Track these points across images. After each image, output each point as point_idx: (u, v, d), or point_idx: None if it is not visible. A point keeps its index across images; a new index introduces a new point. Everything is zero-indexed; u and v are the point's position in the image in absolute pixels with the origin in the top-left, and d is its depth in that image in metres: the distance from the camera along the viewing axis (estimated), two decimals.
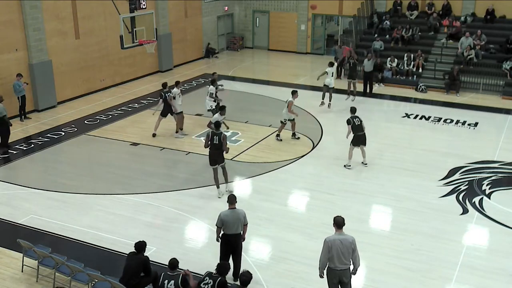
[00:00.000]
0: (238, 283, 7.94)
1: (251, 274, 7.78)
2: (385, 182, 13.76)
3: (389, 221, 12.27)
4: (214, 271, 8.02)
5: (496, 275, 10.11)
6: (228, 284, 8.03)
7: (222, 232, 9.44)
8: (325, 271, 8.59)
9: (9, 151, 15.97)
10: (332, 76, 19.79)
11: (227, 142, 13.21)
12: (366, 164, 14.79)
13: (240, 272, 7.95)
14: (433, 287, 9.73)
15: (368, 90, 22.14)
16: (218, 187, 13.16)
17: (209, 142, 12.77)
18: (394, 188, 13.53)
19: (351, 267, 8.54)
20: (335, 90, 20.00)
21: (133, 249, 8.79)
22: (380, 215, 12.52)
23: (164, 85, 17.06)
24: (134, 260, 8.66)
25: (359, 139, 14.58)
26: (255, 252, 10.92)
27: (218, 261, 8.73)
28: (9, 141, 16.29)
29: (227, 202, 9.54)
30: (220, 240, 9.55)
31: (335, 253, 8.32)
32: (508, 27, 24.45)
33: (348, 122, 14.50)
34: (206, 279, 7.97)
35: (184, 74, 25.31)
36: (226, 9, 30.47)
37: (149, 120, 18.72)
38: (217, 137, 12.67)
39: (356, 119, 14.49)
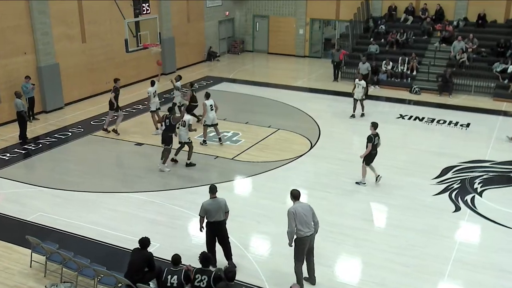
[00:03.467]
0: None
1: (235, 267, 7.80)
2: (381, 181, 13.75)
3: (384, 218, 12.28)
4: (201, 266, 8.02)
5: (487, 269, 10.11)
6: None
7: (206, 220, 9.65)
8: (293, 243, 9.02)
9: (25, 146, 16.23)
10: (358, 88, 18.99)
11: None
12: (379, 179, 13.64)
13: (227, 266, 8.03)
14: (427, 281, 9.74)
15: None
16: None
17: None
18: (389, 186, 13.52)
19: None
20: (332, 92, 19.95)
21: (137, 245, 8.80)
22: (375, 213, 12.51)
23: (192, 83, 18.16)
24: (139, 256, 8.67)
25: (372, 158, 13.43)
26: (255, 248, 10.92)
27: (209, 253, 8.76)
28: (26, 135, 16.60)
29: (209, 192, 9.69)
30: (205, 229, 9.77)
31: (301, 219, 8.85)
32: (498, 31, 24.48)
33: (370, 139, 13.18)
34: (198, 277, 7.96)
35: (186, 77, 25.21)
36: (227, 14, 30.47)
37: (150, 121, 18.71)
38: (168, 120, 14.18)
39: (377, 137, 13.29)
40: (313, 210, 9.07)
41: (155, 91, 17.70)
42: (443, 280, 9.79)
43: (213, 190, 9.74)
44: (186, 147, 14.83)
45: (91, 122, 18.56)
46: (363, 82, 18.79)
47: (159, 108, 17.85)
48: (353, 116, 19.17)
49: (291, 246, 9.06)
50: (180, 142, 14.77)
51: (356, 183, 13.59)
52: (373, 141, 13.16)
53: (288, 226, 8.92)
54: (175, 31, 25.86)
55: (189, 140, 14.76)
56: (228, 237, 9.91)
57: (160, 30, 18.91)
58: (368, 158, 13.39)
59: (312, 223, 9.00)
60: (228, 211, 9.79)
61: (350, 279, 9.79)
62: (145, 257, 8.65)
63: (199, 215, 9.69)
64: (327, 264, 10.14)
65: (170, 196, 13.04)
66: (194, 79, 24.58)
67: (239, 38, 31.67)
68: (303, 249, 9.04)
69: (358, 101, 19.05)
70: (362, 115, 19.21)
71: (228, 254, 9.87)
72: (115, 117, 17.50)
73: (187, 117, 14.80)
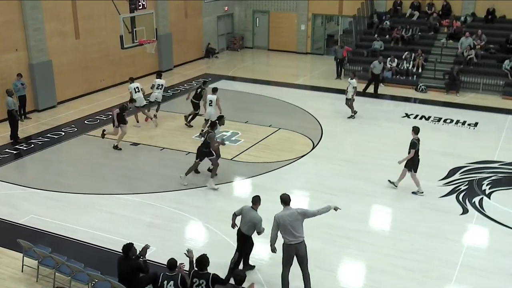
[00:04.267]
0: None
1: (245, 273, 7.80)
2: (385, 182, 13.75)
3: (389, 221, 12.27)
4: (197, 269, 8.01)
5: (496, 274, 10.10)
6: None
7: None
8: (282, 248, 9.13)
9: (17, 146, 16.27)
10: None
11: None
12: (396, 186, 13.59)
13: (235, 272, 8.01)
14: (433, 287, 9.73)
15: (374, 91, 21.82)
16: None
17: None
18: (394, 188, 13.52)
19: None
20: (335, 90, 19.94)
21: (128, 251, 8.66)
22: (380, 215, 12.51)
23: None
24: (126, 266, 8.51)
25: (417, 164, 13.21)
26: (255, 252, 10.90)
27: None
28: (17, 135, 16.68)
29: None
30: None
31: (286, 227, 8.85)
32: (508, 27, 24.44)
33: (414, 145, 13.02)
34: (196, 281, 7.93)
35: (184, 74, 25.32)
36: (226, 9, 30.47)
37: (149, 121, 18.74)
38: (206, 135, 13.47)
39: (419, 141, 13.16)
40: (302, 210, 9.08)
41: (137, 87, 18.09)
42: (450, 285, 9.79)
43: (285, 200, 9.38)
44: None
45: (85, 121, 18.55)
46: (354, 82, 18.73)
47: (146, 105, 18.26)
48: (352, 116, 19.09)
49: (274, 252, 9.19)
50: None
51: (413, 192, 13.25)
52: (417, 147, 12.97)
53: (271, 232, 9.10)
54: (172, 27, 25.86)
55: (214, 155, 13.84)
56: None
57: (156, 26, 18.85)
58: (414, 165, 13.14)
59: (300, 232, 8.92)
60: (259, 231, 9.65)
61: (353, 284, 9.79)
62: (133, 268, 8.49)
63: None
64: (329, 268, 10.14)
65: (167, 198, 13.04)
66: (192, 77, 24.64)
67: (239, 34, 31.66)
68: (289, 256, 9.10)
69: (351, 101, 18.92)
70: (353, 116, 19.10)
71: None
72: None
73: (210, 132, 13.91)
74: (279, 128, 17.73)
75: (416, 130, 13.24)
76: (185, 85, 23.41)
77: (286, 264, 9.17)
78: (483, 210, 12.51)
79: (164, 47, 25.06)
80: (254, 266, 10.08)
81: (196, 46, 28.49)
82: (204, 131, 15.99)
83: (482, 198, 13.06)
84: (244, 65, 27.64)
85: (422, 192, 13.20)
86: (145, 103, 18.35)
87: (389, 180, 13.63)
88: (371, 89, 21.82)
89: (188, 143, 16.61)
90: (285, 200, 9.12)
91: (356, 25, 26.55)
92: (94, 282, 9.09)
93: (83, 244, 10.99)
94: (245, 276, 7.80)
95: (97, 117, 18.95)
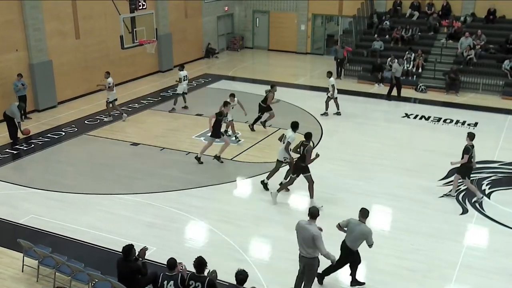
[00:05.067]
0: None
1: (247, 273, 7.77)
2: (385, 182, 13.75)
3: (389, 221, 12.26)
4: (195, 271, 7.96)
5: (496, 274, 10.10)
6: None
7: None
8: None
9: (17, 146, 16.28)
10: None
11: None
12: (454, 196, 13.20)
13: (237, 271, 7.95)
14: (434, 287, 9.73)
15: (397, 94, 21.43)
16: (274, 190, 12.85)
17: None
18: (394, 188, 13.52)
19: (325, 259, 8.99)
20: (337, 90, 19.88)
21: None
22: (380, 215, 12.49)
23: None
24: (126, 268, 8.48)
25: (470, 171, 12.93)
26: (254, 251, 10.92)
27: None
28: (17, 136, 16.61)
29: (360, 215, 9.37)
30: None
31: (299, 238, 8.88)
32: (507, 27, 24.45)
33: (467, 150, 12.58)
34: (192, 283, 7.90)
35: None
36: (226, 9, 30.46)
37: (149, 120, 18.76)
38: (303, 148, 12.28)
39: (474, 148, 12.74)
40: (316, 240, 8.63)
41: (186, 76, 19.64)
42: (450, 285, 9.79)
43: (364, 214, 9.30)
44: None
45: (85, 121, 18.55)
46: (332, 80, 18.83)
47: (115, 100, 18.72)
48: (338, 113, 19.25)
49: None
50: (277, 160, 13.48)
51: (474, 201, 12.84)
52: (470, 152, 12.56)
53: None
54: (172, 27, 25.86)
55: (284, 160, 13.26)
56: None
57: (156, 26, 18.87)
58: (467, 172, 12.87)
59: (308, 250, 8.77)
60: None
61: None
62: (133, 270, 8.45)
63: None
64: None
65: (167, 198, 13.03)
66: (192, 77, 24.61)
67: (239, 34, 31.66)
68: (300, 267, 9.13)
69: (332, 99, 19.01)
70: (325, 114, 19.19)
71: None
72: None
73: (289, 133, 13.05)
74: (279, 128, 17.71)
75: (471, 136, 12.77)
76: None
77: (300, 272, 9.20)
78: (483, 210, 12.51)
79: (164, 47, 25.05)
80: (363, 283, 9.72)
81: (196, 46, 28.48)
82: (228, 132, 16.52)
83: (482, 198, 13.05)
84: (244, 65, 27.64)
85: (482, 196, 12.93)
86: (185, 91, 19.82)
87: (444, 194, 13.21)
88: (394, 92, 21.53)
89: (188, 143, 16.61)
90: (311, 213, 8.83)
91: (356, 25, 26.56)
92: (94, 282, 9.08)
93: (83, 244, 10.99)
94: (247, 275, 7.75)
95: (97, 117, 18.95)
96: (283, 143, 13.13)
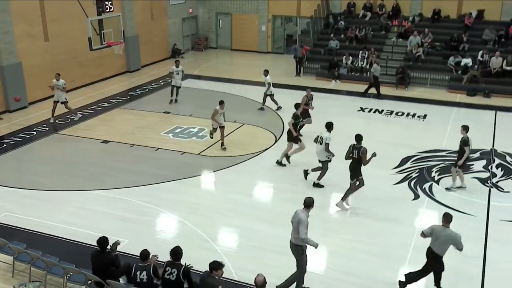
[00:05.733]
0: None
1: (221, 263, 7.76)
2: (344, 172, 13.88)
3: (348, 208, 12.42)
4: (172, 259, 7.95)
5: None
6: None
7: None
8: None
9: None
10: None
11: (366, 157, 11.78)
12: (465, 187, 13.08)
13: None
14: (389, 268, 9.93)
15: (376, 92, 21.34)
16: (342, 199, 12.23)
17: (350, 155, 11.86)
18: (462, 188, 13.22)
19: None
20: (295, 87, 20.05)
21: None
22: (340, 203, 12.63)
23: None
24: (100, 260, 8.37)
25: (467, 162, 12.92)
26: (223, 241, 10.92)
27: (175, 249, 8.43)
28: None
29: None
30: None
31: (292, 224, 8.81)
32: (452, 26, 25.06)
33: (466, 142, 12.43)
34: (168, 269, 7.89)
35: (151, 74, 25.03)
36: (190, 11, 30.22)
37: (118, 118, 18.50)
38: (356, 151, 11.78)
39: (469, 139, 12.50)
40: (299, 223, 8.59)
41: (182, 71, 20.13)
42: (404, 265, 10.00)
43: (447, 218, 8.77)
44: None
45: (56, 121, 18.13)
46: (268, 78, 18.81)
47: (66, 101, 17.93)
48: (279, 108, 19.28)
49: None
50: (319, 161, 13.24)
51: (457, 187, 13.00)
52: (469, 144, 12.41)
53: None
54: (139, 29, 25.50)
55: (327, 158, 12.97)
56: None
57: (123, 28, 18.60)
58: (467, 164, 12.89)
59: (292, 233, 8.78)
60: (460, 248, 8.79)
61: (317, 268, 9.87)
62: (107, 261, 8.36)
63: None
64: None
65: (137, 192, 12.89)
66: (159, 76, 24.38)
67: (203, 35, 31.47)
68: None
69: (269, 96, 19.05)
70: (262, 109, 19.25)
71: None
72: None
73: (325, 134, 12.91)
74: (243, 124, 17.73)
75: (467, 128, 12.56)
76: (153, 84, 23.15)
77: None
78: (433, 195, 12.82)
79: (131, 48, 24.70)
80: None
81: (163, 47, 28.18)
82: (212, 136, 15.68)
83: (431, 184, 13.38)
84: (209, 65, 27.50)
85: (465, 187, 12.97)
86: (179, 85, 20.25)
87: (446, 188, 13.07)
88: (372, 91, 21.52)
89: (156, 139, 16.45)
90: (305, 203, 8.80)
91: (313, 25, 26.75)
92: (69, 275, 8.93)
93: (58, 239, 10.78)
94: (220, 263, 7.74)
95: (68, 116, 18.54)
96: (320, 144, 12.85)
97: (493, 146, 15.93)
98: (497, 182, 13.42)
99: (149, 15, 26.59)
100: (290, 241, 8.89)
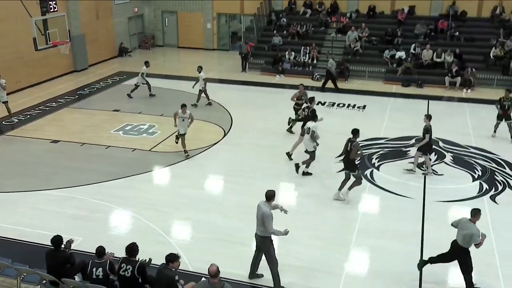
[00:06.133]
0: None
1: (176, 255, 7.74)
2: (290, 163, 14.08)
3: (295, 196, 12.60)
4: (127, 255, 7.83)
5: (387, 235, 10.72)
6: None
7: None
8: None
9: None
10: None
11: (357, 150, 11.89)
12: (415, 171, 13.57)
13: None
14: (337, 250, 10.16)
15: (333, 86, 21.49)
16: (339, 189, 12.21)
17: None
18: (412, 173, 13.55)
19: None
20: (241, 82, 20.06)
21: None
22: (287, 192, 12.79)
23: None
24: (55, 259, 8.14)
25: (431, 147, 13.49)
26: (177, 234, 10.84)
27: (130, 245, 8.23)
28: None
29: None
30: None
31: (256, 217, 8.70)
32: (386, 21, 25.75)
33: (428, 130, 12.99)
34: (123, 266, 7.76)
35: (99, 73, 24.39)
36: (136, 10, 29.61)
37: (67, 118, 17.95)
38: (350, 144, 11.90)
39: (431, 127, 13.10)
40: (264, 217, 8.51)
41: (146, 74, 19.76)
42: (350, 247, 10.26)
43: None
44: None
45: (3, 122, 17.37)
46: (202, 75, 18.65)
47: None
48: (209, 103, 19.10)
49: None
50: (306, 151, 13.33)
51: (423, 173, 13.39)
52: (431, 132, 12.96)
53: None
54: (85, 28, 24.74)
55: (314, 149, 13.16)
56: None
57: (69, 27, 18.00)
58: (428, 149, 13.25)
59: (259, 227, 8.68)
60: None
61: None
62: (62, 259, 8.14)
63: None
64: (245, 243, 10.25)
65: (89, 190, 12.56)
66: (107, 75, 23.80)
67: (149, 33, 30.91)
68: (256, 246, 9.00)
69: (203, 91, 18.86)
70: (195, 105, 18.89)
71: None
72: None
73: (311, 123, 13.17)
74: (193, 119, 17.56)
75: (429, 117, 13.22)
76: (101, 83, 22.57)
77: (256, 251, 9.08)
78: (374, 180, 13.18)
79: (77, 47, 23.94)
80: None
81: (109, 45, 27.47)
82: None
83: (372, 170, 13.75)
84: (157, 62, 27.03)
85: (433, 173, 13.41)
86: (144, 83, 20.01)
87: (406, 169, 13.59)
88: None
89: (106, 137, 16.07)
90: (266, 195, 8.72)
91: (256, 22, 26.80)
92: (23, 276, 8.61)
93: (9, 241, 10.36)
94: (176, 255, 7.71)
95: (14, 118, 17.80)
96: (307, 134, 13.01)
97: None
98: (431, 166, 13.92)
99: (95, 14, 25.83)
100: (256, 233, 8.81)
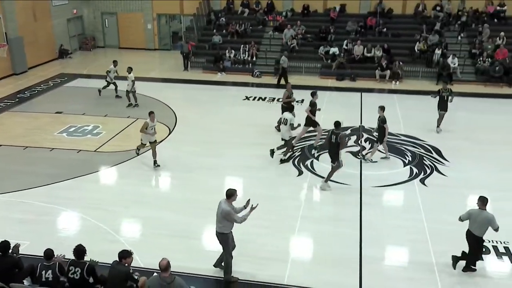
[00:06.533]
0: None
1: (129, 251, 7.63)
2: (235, 157, 14.12)
3: (241, 189, 12.63)
4: (75, 258, 7.62)
5: (327, 220, 11.01)
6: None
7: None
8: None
9: None
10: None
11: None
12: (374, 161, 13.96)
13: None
14: (283, 237, 10.33)
15: (280, 82, 21.53)
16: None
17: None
18: (243, 161, 13.95)
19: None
20: (183, 81, 19.82)
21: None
22: (235, 186, 12.73)
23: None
24: (3, 264, 7.76)
25: (384, 136, 13.64)
26: (126, 232, 10.62)
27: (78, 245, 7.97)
28: None
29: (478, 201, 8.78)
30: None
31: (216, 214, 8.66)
32: (320, 19, 26.25)
33: (384, 121, 13.37)
34: (72, 268, 7.55)
35: (39, 75, 23.39)
36: (75, 12, 28.59)
37: (8, 122, 17.13)
38: (334, 136, 11.98)
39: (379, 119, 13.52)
40: (224, 214, 8.53)
41: (116, 71, 19.09)
42: (294, 234, 10.46)
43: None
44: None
45: None
46: (131, 76, 18.44)
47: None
48: (129, 104, 18.68)
49: None
50: (282, 139, 13.75)
51: (382, 158, 13.95)
52: (386, 122, 13.33)
53: None
54: (22, 30, 23.61)
55: (289, 138, 13.64)
56: None
57: (5, 30, 17.15)
58: (383, 137, 13.55)
59: (218, 223, 8.66)
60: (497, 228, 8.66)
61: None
62: (10, 264, 7.78)
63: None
64: (197, 237, 10.22)
65: (36, 193, 12.07)
66: (48, 77, 22.89)
67: (90, 35, 29.95)
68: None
69: (130, 93, 18.64)
70: (133, 105, 18.61)
71: None
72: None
73: (288, 115, 13.68)
74: (137, 119, 17.24)
75: (383, 108, 13.59)
76: (42, 85, 21.66)
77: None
78: (314, 170, 13.46)
79: (16, 50, 22.84)
80: (475, 269, 9.15)
81: (49, 47, 26.38)
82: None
83: (312, 160, 14.03)
84: (98, 64, 26.25)
85: (389, 157, 13.90)
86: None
87: (364, 159, 13.94)
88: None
89: (50, 140, 15.48)
90: (226, 194, 8.65)
91: (196, 22, 26.60)
92: None
93: None
94: (129, 251, 7.60)
95: None
96: (285, 124, 13.50)
97: (361, 123, 17.06)
98: (366, 154, 14.38)
99: (32, 16, 24.71)
100: (216, 230, 8.76)
